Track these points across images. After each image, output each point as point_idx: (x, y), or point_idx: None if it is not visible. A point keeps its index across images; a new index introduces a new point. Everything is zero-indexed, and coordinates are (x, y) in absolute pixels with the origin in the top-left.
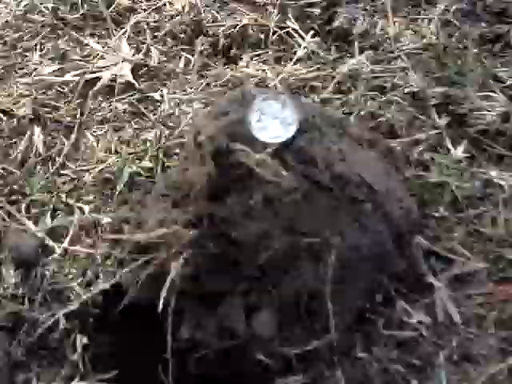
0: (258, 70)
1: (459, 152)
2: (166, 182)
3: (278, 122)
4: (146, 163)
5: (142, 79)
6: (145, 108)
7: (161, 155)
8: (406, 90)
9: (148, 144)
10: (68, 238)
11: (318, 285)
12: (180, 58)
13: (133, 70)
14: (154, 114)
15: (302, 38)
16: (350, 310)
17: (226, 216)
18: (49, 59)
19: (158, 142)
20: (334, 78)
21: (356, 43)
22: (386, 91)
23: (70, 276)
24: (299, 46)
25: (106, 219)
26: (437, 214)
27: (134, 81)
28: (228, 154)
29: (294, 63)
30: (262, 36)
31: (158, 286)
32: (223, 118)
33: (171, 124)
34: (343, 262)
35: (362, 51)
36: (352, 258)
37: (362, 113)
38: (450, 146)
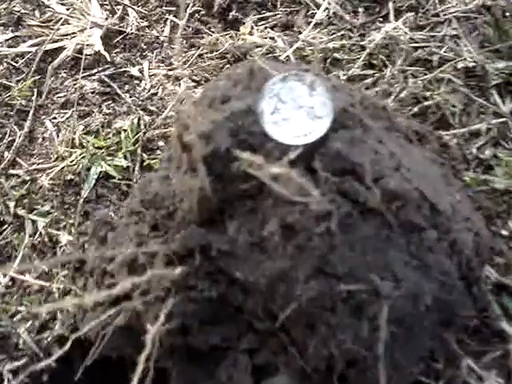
0: (264, 38)
1: None
2: (143, 193)
3: (304, 113)
4: (120, 161)
5: (117, 50)
6: (119, 87)
7: (139, 150)
8: (459, 66)
9: (123, 135)
10: (16, 262)
11: (360, 349)
12: (165, 22)
13: (105, 39)
14: (131, 96)
15: None
16: (403, 378)
17: (226, 249)
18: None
19: (136, 133)
20: (363, 48)
21: (391, 3)
22: (432, 66)
23: (18, 316)
24: (317, 6)
25: (66, 237)
26: (505, 232)
27: (105, 52)
28: (229, 162)
29: (312, 29)
30: None
31: (132, 336)
32: (222, 106)
33: (153, 108)
34: (397, 317)
35: (398, 14)
36: (409, 312)
37: (402, 94)
38: None
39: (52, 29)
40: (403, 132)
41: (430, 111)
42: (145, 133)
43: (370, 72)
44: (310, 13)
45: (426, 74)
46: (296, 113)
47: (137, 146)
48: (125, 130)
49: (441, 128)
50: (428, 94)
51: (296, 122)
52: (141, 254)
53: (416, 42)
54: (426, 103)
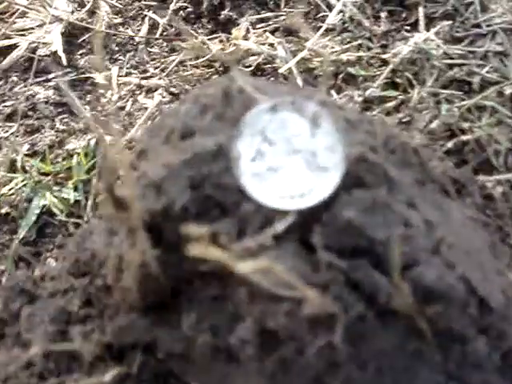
0: (262, 44)
1: None
2: (80, 249)
3: (302, 162)
4: (69, 192)
5: (81, 51)
6: (79, 98)
7: (94, 180)
8: (506, 91)
9: (75, 159)
10: None
11: None
12: (143, 19)
13: (67, 37)
14: (93, 109)
15: None
16: None
17: (179, 350)
18: None
19: (93, 157)
20: (385, 63)
21: (421, 9)
22: (472, 90)
23: None
24: (330, 8)
25: None
26: None
27: (62, 53)
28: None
29: (322, 35)
30: None
31: None
32: (181, 143)
33: (118, 127)
34: None
35: (430, 22)
36: None
37: (433, 125)
38: None
39: (6, 21)
40: (439, 183)
41: (467, 148)
42: (103, 157)
43: (393, 93)
44: (320, 15)
45: (463, 100)
46: (289, 161)
47: (92, 174)
48: (78, 154)
49: (481, 171)
50: (466, 125)
51: (289, 174)
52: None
53: (451, 59)
54: (464, 138)
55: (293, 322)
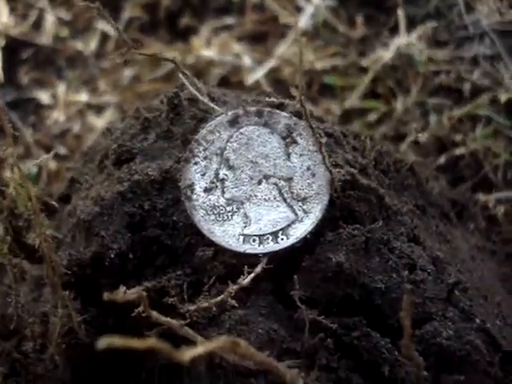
0: (225, 53)
1: None
2: None
3: (273, 191)
4: None
5: (24, 68)
6: (21, 119)
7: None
8: (502, 98)
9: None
10: None
11: None
12: (94, 32)
13: (9, 52)
14: (36, 131)
15: None
16: None
17: None
18: None
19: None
20: (363, 70)
21: (400, 11)
22: (462, 98)
23: None
24: (300, 10)
25: None
26: None
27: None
28: (123, 277)
29: (292, 43)
30: None
31: None
32: (118, 170)
33: (63, 151)
34: None
35: (411, 25)
36: None
37: (421, 137)
38: None
39: None
40: (439, 206)
41: (462, 164)
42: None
43: (374, 105)
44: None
45: (451, 109)
46: (257, 190)
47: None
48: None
49: (480, 189)
50: (459, 137)
51: (257, 207)
52: None
53: (436, 64)
54: (457, 151)
55: None
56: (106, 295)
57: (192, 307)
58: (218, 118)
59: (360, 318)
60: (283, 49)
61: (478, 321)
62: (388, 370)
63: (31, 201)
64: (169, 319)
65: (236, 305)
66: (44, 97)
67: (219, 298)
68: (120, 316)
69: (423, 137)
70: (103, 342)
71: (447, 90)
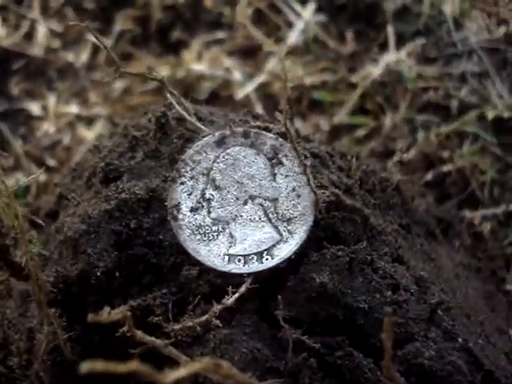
0: (215, 67)
1: None
2: None
3: (259, 212)
4: None
5: (15, 79)
6: (11, 130)
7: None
8: (488, 115)
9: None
10: None
11: None
12: (85, 43)
13: (0, 62)
14: (26, 143)
15: (297, 14)
16: None
17: None
18: None
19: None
20: (353, 86)
21: (390, 28)
22: (450, 115)
23: None
24: (290, 26)
25: None
26: None
27: None
28: (111, 296)
29: (283, 58)
30: (228, 10)
31: None
32: (105, 188)
33: (52, 163)
34: None
35: (400, 42)
36: None
37: (409, 154)
38: None
39: None
40: (424, 224)
41: (449, 180)
42: (35, 199)
43: (363, 120)
44: (280, 35)
45: (438, 127)
46: (242, 210)
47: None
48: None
49: (466, 206)
50: (446, 154)
51: (242, 227)
52: None
53: (425, 81)
54: (444, 168)
55: None
56: (90, 317)
57: (177, 326)
58: (205, 139)
59: (343, 338)
60: (273, 64)
61: (460, 340)
62: None
63: (18, 219)
64: (153, 339)
65: (220, 324)
66: (34, 108)
67: (204, 318)
68: (105, 334)
69: (408, 156)
70: (86, 366)
71: (435, 106)
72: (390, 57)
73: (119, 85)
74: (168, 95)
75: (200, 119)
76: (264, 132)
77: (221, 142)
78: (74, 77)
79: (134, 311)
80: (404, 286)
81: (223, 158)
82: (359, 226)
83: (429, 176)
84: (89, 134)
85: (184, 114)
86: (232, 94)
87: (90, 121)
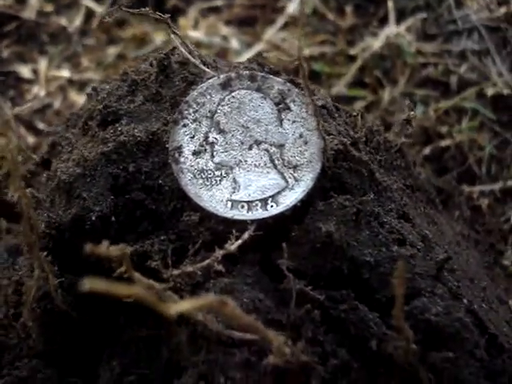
0: (213, 35)
1: None
2: None
3: (264, 157)
4: None
5: (6, 42)
6: (0, 92)
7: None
8: (489, 92)
9: None
10: None
11: None
12: (78, 8)
13: None
14: (15, 106)
15: None
16: None
17: None
18: None
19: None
20: (351, 59)
21: (390, 3)
22: (449, 91)
23: None
24: None
25: None
26: None
27: None
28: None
29: (280, 28)
30: None
31: None
32: (102, 131)
33: (41, 126)
34: None
35: (400, 18)
36: None
37: (408, 129)
38: None
39: None
40: (425, 191)
41: (447, 155)
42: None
43: (361, 93)
44: (279, 5)
45: (437, 102)
46: (247, 155)
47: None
48: None
49: (463, 180)
50: (444, 129)
51: (246, 173)
52: None
53: (425, 57)
54: (443, 143)
55: (250, 377)
56: (88, 248)
57: (176, 272)
58: (210, 81)
59: (348, 291)
60: (271, 33)
61: (465, 301)
62: (376, 344)
63: (11, 152)
64: (151, 281)
65: (223, 270)
66: (25, 71)
67: (205, 263)
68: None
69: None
70: (86, 284)
71: (435, 82)
72: (390, 30)
73: (112, 50)
74: (172, 35)
75: (204, 64)
76: (271, 76)
77: (226, 85)
78: (67, 41)
79: (131, 257)
80: (410, 242)
81: (228, 100)
82: (366, 179)
83: (427, 150)
84: (80, 99)
85: (188, 56)
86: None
87: (81, 85)
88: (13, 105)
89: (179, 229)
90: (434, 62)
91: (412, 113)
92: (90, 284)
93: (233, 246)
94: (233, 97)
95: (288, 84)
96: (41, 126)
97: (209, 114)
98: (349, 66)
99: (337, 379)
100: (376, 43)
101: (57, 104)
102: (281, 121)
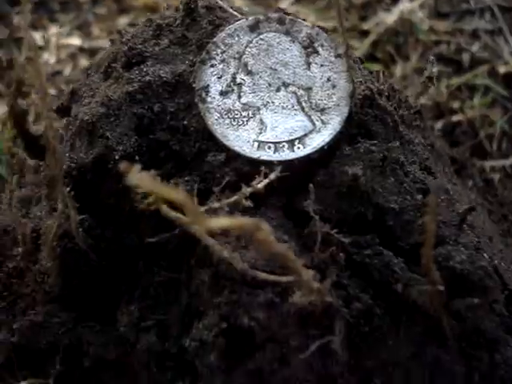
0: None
1: None
2: None
3: (292, 99)
4: None
5: (17, 8)
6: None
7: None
8: (499, 70)
9: None
10: None
11: None
12: None
13: None
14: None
15: None
16: None
17: (111, 357)
18: None
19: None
20: (364, 34)
21: None
22: (461, 68)
23: None
24: None
25: None
26: None
27: None
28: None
29: (293, 2)
30: None
31: None
32: (127, 73)
33: (53, 92)
34: None
35: None
36: None
37: (421, 102)
38: None
39: None
40: (444, 155)
41: (459, 130)
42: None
43: (376, 66)
44: None
45: (449, 79)
46: (275, 97)
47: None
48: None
49: (474, 155)
50: (456, 105)
51: (273, 114)
52: None
53: (437, 35)
54: (454, 118)
55: (274, 318)
56: (122, 166)
57: (202, 208)
58: (238, 22)
59: (373, 236)
60: (285, 5)
61: (486, 256)
62: (401, 287)
63: (40, 79)
64: (179, 215)
65: (251, 205)
66: (36, 37)
67: (232, 199)
68: (119, 228)
69: (421, 102)
70: (133, 177)
71: (447, 59)
72: (404, 6)
73: (123, 20)
74: None
75: (231, 8)
76: (300, 19)
77: (255, 27)
78: (78, 10)
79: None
80: (434, 193)
81: (256, 42)
82: (391, 129)
83: (439, 124)
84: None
85: None
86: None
87: (92, 53)
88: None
89: (204, 170)
90: (447, 41)
91: (434, 70)
92: (136, 177)
93: (260, 184)
94: (261, 39)
95: (316, 28)
96: (51, 91)
97: (237, 56)
98: (362, 41)
99: (359, 324)
100: (389, 18)
101: (67, 71)
102: (309, 64)
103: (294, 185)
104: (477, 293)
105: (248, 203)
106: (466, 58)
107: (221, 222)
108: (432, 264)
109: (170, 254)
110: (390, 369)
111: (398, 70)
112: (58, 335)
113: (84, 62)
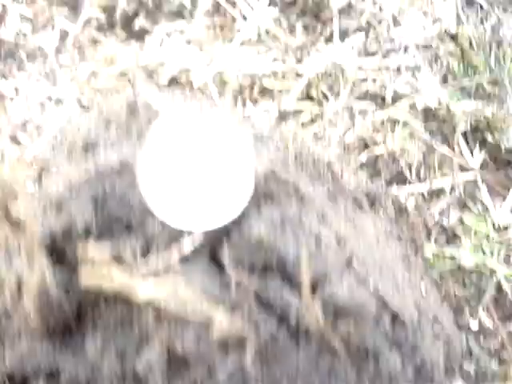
0: (175, 52)
1: (506, 211)
2: None
3: (210, 177)
4: None
5: None
6: None
7: None
8: (418, 105)
9: None
10: None
11: None
12: (53, 28)
13: None
14: None
15: (251, 8)
16: None
17: (78, 377)
18: None
19: None
20: (299, 75)
21: (336, 23)
22: (385, 104)
23: None
24: (245, 18)
25: None
26: (474, 326)
27: None
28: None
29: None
30: (188, 2)
31: None
32: (83, 159)
33: (24, 139)
34: None
35: (344, 36)
36: None
37: (348, 137)
38: (488, 201)
39: None
40: (352, 196)
41: (380, 160)
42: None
43: (308, 106)
44: (235, 26)
45: (373, 113)
46: (196, 176)
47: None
48: None
49: (394, 183)
50: (378, 137)
51: (195, 191)
52: None
53: (365, 72)
54: (378, 151)
55: (201, 345)
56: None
57: (143, 266)
58: (165, 118)
59: (276, 280)
60: (227, 53)
61: (371, 285)
62: (295, 318)
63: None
64: (123, 277)
65: (179, 265)
66: (6, 87)
67: (166, 258)
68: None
69: (349, 136)
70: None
71: (373, 95)
72: (335, 49)
73: (84, 68)
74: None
75: (162, 103)
76: (215, 114)
77: (178, 121)
78: (44, 59)
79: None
80: (327, 239)
81: (179, 133)
82: (291, 192)
83: (363, 157)
84: (58, 113)
85: (149, 99)
86: (190, 81)
87: (58, 101)
88: None
89: (145, 234)
90: (373, 78)
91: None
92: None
93: (187, 248)
94: (183, 130)
95: (227, 121)
96: (22, 138)
97: (165, 144)
98: (297, 82)
99: (267, 346)
100: (321, 61)
101: (34, 119)
102: (222, 149)
103: (215, 240)
104: (356, 318)
105: (178, 260)
106: (389, 93)
107: (150, 289)
108: (311, 302)
109: (124, 298)
110: (294, 377)
111: (330, 107)
112: (41, 362)
113: (51, 109)
